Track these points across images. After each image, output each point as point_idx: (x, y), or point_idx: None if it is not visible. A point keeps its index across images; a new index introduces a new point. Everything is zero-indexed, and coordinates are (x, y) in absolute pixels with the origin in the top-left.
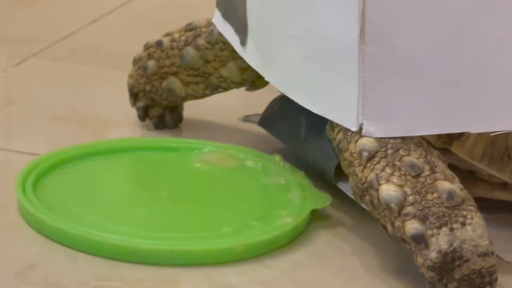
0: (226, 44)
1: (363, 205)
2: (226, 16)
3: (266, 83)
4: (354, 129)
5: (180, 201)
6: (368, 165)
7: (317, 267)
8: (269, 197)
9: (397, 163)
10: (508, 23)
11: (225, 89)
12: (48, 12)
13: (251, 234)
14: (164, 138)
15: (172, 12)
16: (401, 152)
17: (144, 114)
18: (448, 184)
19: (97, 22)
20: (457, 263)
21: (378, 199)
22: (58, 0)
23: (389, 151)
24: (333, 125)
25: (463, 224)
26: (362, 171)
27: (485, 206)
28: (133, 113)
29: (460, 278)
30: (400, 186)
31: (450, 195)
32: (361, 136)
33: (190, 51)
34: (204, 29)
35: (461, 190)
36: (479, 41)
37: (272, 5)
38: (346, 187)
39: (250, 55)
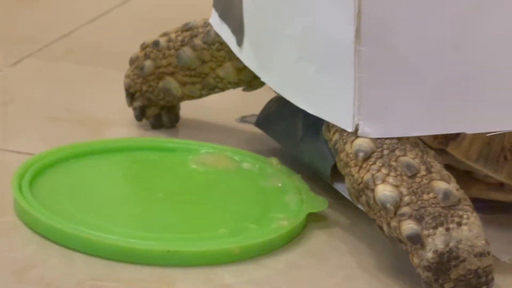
0: (223, 44)
1: (359, 206)
2: (223, 16)
3: (263, 83)
4: (350, 129)
5: (176, 202)
6: (364, 165)
7: (314, 267)
8: (266, 199)
9: (393, 163)
10: (504, 24)
11: (222, 90)
12: (45, 12)
13: (247, 236)
14: (160, 139)
15: (169, 12)
16: (397, 152)
17: (141, 114)
18: (444, 184)
19: (94, 22)
20: (453, 263)
21: (374, 199)
22: (55, 0)
23: (385, 152)
24: (329, 125)
25: (459, 224)
26: (358, 172)
27: (482, 206)
28: (130, 113)
29: (457, 278)
30: (396, 186)
31: (446, 195)
32: (357, 137)
33: (187, 51)
34: (201, 30)
35: (457, 190)
36: (475, 42)
37: (268, 6)
38: (342, 188)
39: (246, 55)
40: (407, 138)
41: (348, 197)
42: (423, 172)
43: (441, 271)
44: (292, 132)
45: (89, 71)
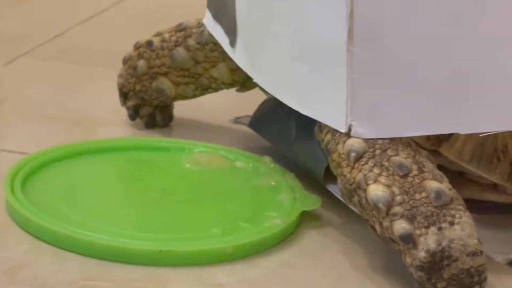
0: (216, 45)
1: (352, 206)
2: (217, 17)
3: (257, 84)
4: (343, 130)
5: (169, 202)
6: (356, 165)
7: (306, 267)
8: (259, 198)
9: (385, 163)
10: (495, 24)
11: (216, 90)
12: (39, 11)
13: (240, 235)
14: (154, 138)
15: (163, 12)
16: (389, 152)
17: (134, 114)
18: (436, 184)
19: (88, 21)
20: (446, 263)
21: (366, 199)
22: None
23: (377, 152)
24: (321, 126)
25: (451, 224)
26: (350, 172)
27: (475, 207)
28: (123, 112)
29: (449, 277)
30: (388, 186)
31: (438, 194)
32: (349, 137)
33: (180, 52)
34: (194, 30)
35: (449, 189)
36: (468, 42)
37: (260, 7)
38: (335, 189)
39: (239, 56)
40: (399, 138)
41: (341, 199)
42: (415, 172)
43: (433, 270)
44: (285, 134)
45: (83, 70)
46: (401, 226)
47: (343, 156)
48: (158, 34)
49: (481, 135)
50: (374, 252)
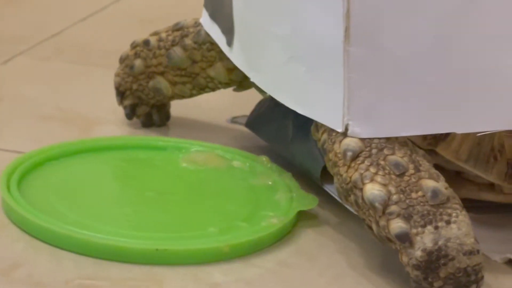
0: (213, 44)
1: (348, 206)
2: (214, 16)
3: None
4: (340, 130)
5: (166, 201)
6: (353, 165)
7: (303, 266)
8: (256, 198)
9: (381, 162)
10: (492, 24)
11: (213, 89)
12: (36, 10)
13: (237, 234)
14: (151, 137)
15: (160, 11)
16: (386, 151)
17: (131, 113)
18: (433, 183)
19: (85, 21)
20: (442, 262)
21: (362, 198)
22: None
23: (374, 151)
24: (317, 125)
25: (448, 222)
26: (347, 171)
27: (472, 206)
28: (120, 111)
29: (446, 276)
30: (384, 185)
31: (435, 193)
32: (345, 136)
33: (177, 51)
34: (191, 29)
35: (446, 188)
36: (464, 42)
37: (257, 6)
38: (332, 189)
39: (236, 55)
40: (396, 138)
41: (338, 199)
42: (411, 171)
43: (430, 269)
44: (282, 133)
45: (79, 69)
46: (397, 225)
47: (339, 155)
48: (155, 33)
49: (478, 134)
50: (370, 251)
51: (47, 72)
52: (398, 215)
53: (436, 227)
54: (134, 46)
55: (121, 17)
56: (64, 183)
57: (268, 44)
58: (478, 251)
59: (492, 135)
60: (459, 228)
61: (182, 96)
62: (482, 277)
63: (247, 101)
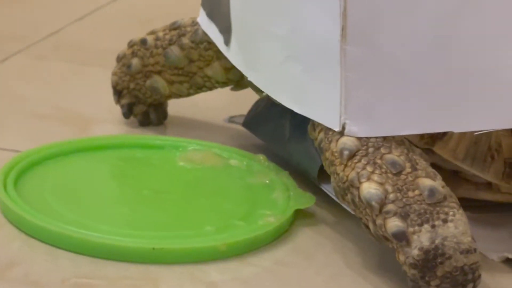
0: (210, 43)
1: (345, 205)
2: (211, 15)
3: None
4: (337, 129)
5: (162, 200)
6: (349, 163)
7: (300, 265)
8: (253, 196)
9: (378, 161)
10: (490, 23)
11: (210, 89)
12: (34, 9)
13: (234, 233)
14: (148, 136)
15: (158, 10)
16: (382, 150)
17: (128, 112)
18: (430, 181)
19: (83, 20)
20: (439, 260)
21: (359, 197)
22: None
23: (370, 150)
24: (314, 124)
25: (445, 221)
26: (343, 170)
27: (470, 205)
28: (117, 110)
29: (443, 275)
30: (381, 184)
31: (432, 192)
32: (342, 135)
33: (174, 50)
34: (188, 28)
35: (442, 187)
36: (462, 41)
37: (255, 5)
38: (329, 189)
39: (234, 54)
40: (393, 137)
41: (335, 198)
42: (408, 170)
43: (427, 268)
44: (279, 133)
45: (77, 69)
46: (394, 224)
47: (336, 154)
48: (152, 32)
49: (475, 133)
50: (368, 250)
51: (44, 71)
52: (395, 214)
53: (433, 226)
54: (131, 45)
55: (119, 16)
56: (61, 182)
57: (265, 43)
58: (475, 250)
59: (489, 134)
60: (456, 227)
61: (179, 95)
62: (479, 275)
63: (244, 101)
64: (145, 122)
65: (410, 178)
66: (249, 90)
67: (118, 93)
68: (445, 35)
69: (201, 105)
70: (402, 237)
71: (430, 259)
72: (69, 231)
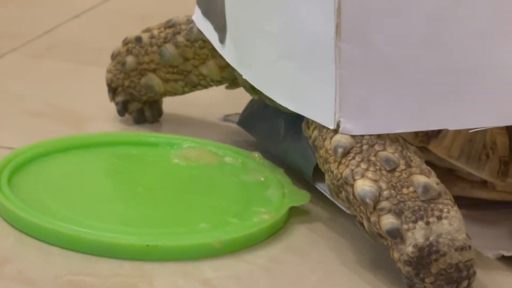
0: (205, 42)
1: (339, 203)
2: (206, 13)
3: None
4: (331, 127)
5: (157, 197)
6: (343, 161)
7: (295, 262)
8: (248, 194)
9: (372, 158)
10: (483, 20)
11: (205, 87)
12: (28, 7)
13: (228, 230)
14: (143, 133)
15: (153, 8)
16: (376, 147)
17: (123, 109)
18: (424, 178)
19: (77, 18)
20: (434, 257)
21: (353, 194)
22: None
23: (364, 147)
24: (308, 122)
25: (439, 218)
26: (337, 168)
27: (465, 203)
28: (112, 108)
29: (437, 272)
30: (375, 181)
31: (426, 188)
32: (336, 133)
33: (169, 48)
34: (183, 26)
35: (437, 184)
36: (456, 38)
37: (249, 3)
38: (324, 188)
39: (228, 52)
40: (387, 134)
41: (330, 197)
42: (402, 167)
43: (421, 265)
44: (274, 131)
45: (71, 67)
46: (388, 221)
47: (330, 152)
48: (147, 30)
49: (470, 131)
50: (362, 248)
51: (39, 69)
52: (389, 211)
53: (428, 223)
54: (126, 42)
55: (114, 14)
56: (55, 179)
57: (259, 41)
58: (469, 247)
59: (484, 132)
60: (450, 224)
61: (174, 93)
62: (474, 272)
63: (239, 99)
64: (140, 119)
65: (404, 175)
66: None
67: (113, 91)
68: (439, 33)
69: (196, 102)
70: (396, 234)
71: (425, 256)
72: (63, 228)
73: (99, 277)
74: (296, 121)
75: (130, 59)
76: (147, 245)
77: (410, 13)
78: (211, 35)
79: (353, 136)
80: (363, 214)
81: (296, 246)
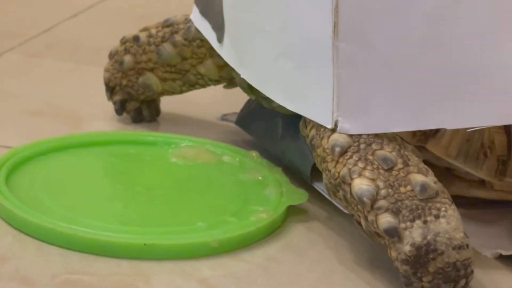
0: (203, 41)
1: (337, 202)
2: (204, 12)
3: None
4: (329, 126)
5: (155, 196)
6: (341, 160)
7: (292, 261)
8: (246, 193)
9: (370, 157)
10: (482, 19)
11: (203, 86)
12: (26, 7)
13: (225, 229)
14: (141, 132)
15: (151, 8)
16: (374, 146)
17: (121, 108)
18: (421, 177)
19: (76, 17)
20: (431, 256)
21: (351, 193)
22: None
23: (362, 146)
24: (306, 121)
25: (437, 217)
26: (335, 167)
27: (463, 202)
28: (110, 107)
29: (435, 271)
30: (373, 180)
31: (423, 187)
32: (333, 132)
33: (167, 48)
34: (181, 26)
35: (434, 183)
36: (454, 38)
37: (247, 2)
38: (322, 187)
39: (226, 52)
40: (385, 133)
41: (328, 197)
42: (400, 165)
43: (419, 264)
44: (272, 131)
45: (70, 66)
46: (386, 220)
47: (327, 151)
48: (145, 29)
49: (467, 130)
50: (360, 247)
51: (37, 68)
52: (387, 210)
53: (425, 222)
54: (123, 41)
55: (112, 13)
56: (53, 178)
57: (257, 41)
58: (467, 246)
59: (481, 132)
60: (448, 223)
61: (172, 93)
62: (472, 271)
63: (237, 98)
64: (137, 118)
65: (401, 174)
66: None
67: (111, 90)
68: (438, 32)
69: (194, 102)
70: (394, 233)
71: (422, 255)
72: (60, 227)
73: (96, 276)
74: (293, 120)
75: (128, 58)
76: (145, 244)
77: (408, 13)
78: (209, 34)
79: (351, 135)
80: (361, 213)
81: (294, 245)
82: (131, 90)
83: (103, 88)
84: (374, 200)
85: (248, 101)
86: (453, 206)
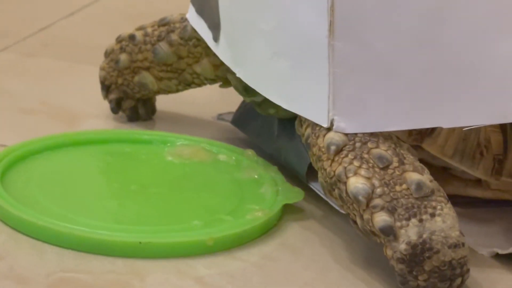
0: (199, 40)
1: (332, 201)
2: (200, 11)
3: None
4: (325, 125)
5: (150, 194)
6: (336, 158)
7: (288, 260)
8: (241, 191)
9: (365, 155)
10: (476, 18)
11: (199, 85)
12: (22, 5)
13: (221, 228)
14: (136, 131)
15: (147, 6)
16: (369, 144)
17: (116, 107)
18: (417, 175)
19: (72, 16)
20: (427, 255)
21: (346, 192)
22: None
23: (357, 144)
24: (301, 120)
25: (432, 215)
26: (330, 165)
27: (460, 202)
28: (106, 105)
29: (430, 269)
30: (368, 178)
31: (419, 186)
32: (328, 130)
33: (163, 47)
34: (177, 25)
35: (430, 181)
36: (449, 36)
37: (242, 1)
38: (318, 187)
39: (222, 51)
40: (380, 132)
41: (324, 196)
42: (395, 164)
43: (414, 262)
44: (268, 130)
45: (66, 65)
46: (381, 219)
47: (323, 149)
48: (141, 28)
49: (463, 129)
50: (355, 245)
51: (32, 67)
52: (382, 208)
53: (421, 220)
54: (119, 40)
55: (109, 12)
56: (48, 176)
57: (253, 39)
58: (463, 244)
59: (478, 131)
60: (443, 221)
61: (167, 92)
62: (468, 270)
63: (233, 97)
64: (133, 117)
65: (397, 172)
66: None
67: (106, 88)
68: (433, 31)
69: (190, 101)
70: (389, 232)
71: (418, 254)
72: (55, 225)
73: (91, 274)
74: (289, 120)
75: (123, 57)
76: (140, 242)
77: (404, 12)
78: (205, 33)
79: (346, 134)
80: (356, 211)
81: (289, 243)
82: (126, 88)
83: (99, 86)
84: (369, 198)
85: (244, 100)
86: (449, 205)
